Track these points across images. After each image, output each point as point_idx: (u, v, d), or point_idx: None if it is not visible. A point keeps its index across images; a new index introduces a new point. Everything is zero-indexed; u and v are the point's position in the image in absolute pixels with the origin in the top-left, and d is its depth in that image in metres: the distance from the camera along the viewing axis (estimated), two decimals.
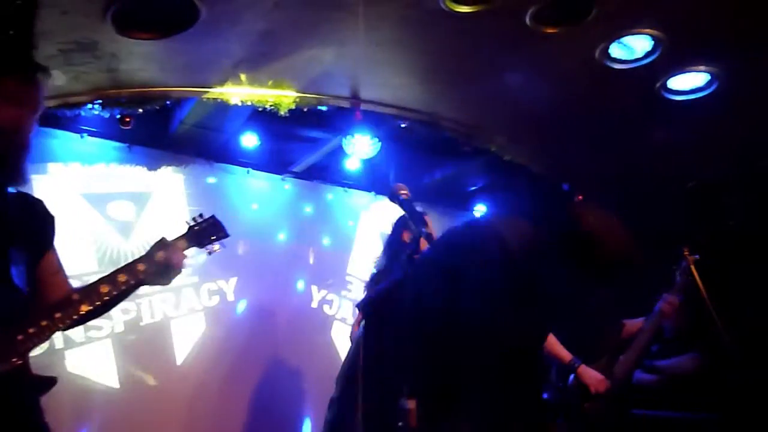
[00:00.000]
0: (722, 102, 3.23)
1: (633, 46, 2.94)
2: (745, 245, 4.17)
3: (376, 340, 2.75)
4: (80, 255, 3.80)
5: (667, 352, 3.94)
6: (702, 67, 3.04)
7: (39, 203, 1.82)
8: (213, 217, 2.02)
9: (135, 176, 4.21)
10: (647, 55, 2.94)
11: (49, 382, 1.59)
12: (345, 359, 3.49)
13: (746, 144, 3.70)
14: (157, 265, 1.76)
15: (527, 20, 2.70)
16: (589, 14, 2.65)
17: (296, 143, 4.51)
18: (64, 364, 3.73)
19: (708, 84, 3.15)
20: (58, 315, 1.58)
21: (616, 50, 2.95)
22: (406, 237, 3.20)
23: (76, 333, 3.78)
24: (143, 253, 1.79)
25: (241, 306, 4.43)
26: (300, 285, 4.71)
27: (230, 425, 4.16)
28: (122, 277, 1.69)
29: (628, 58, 2.99)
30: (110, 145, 4.14)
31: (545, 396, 3.29)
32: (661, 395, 3.71)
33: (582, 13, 2.66)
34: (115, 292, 1.68)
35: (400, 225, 3.35)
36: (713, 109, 3.31)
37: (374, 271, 3.39)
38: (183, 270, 1.83)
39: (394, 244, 3.34)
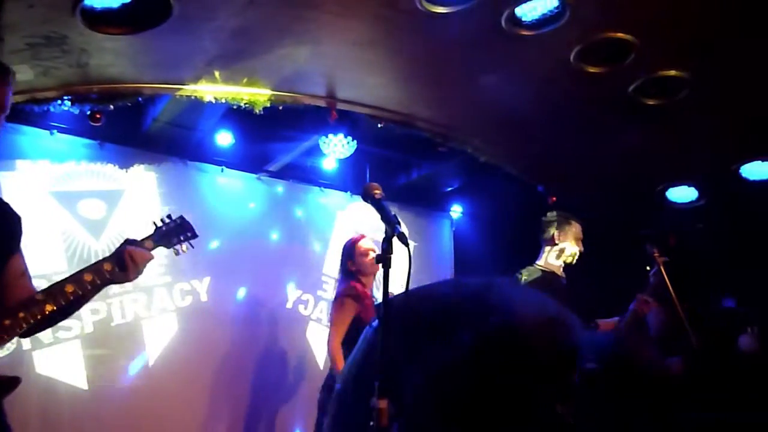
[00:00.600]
0: (692, 106, 3.29)
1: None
2: (713, 247, 4.26)
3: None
4: (49, 255, 3.72)
5: None
6: (673, 72, 3.09)
7: (4, 204, 1.77)
8: (181, 217, 2.01)
9: (106, 174, 4.13)
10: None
11: (13, 382, 1.56)
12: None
13: (716, 147, 3.77)
14: (123, 265, 1.74)
15: (503, 22, 2.72)
16: (563, 17, 2.68)
17: (272, 142, 4.47)
18: (32, 365, 3.64)
19: (680, 87, 3.21)
20: (21, 314, 1.55)
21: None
22: (351, 266, 3.36)
23: (45, 333, 3.69)
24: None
25: (215, 307, 4.38)
26: (275, 285, 4.67)
27: (202, 426, 4.10)
28: (88, 277, 1.67)
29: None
30: (81, 143, 4.06)
31: None
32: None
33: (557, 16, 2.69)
34: (80, 292, 1.65)
35: (344, 254, 3.46)
36: (685, 113, 3.37)
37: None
38: (148, 269, 1.81)
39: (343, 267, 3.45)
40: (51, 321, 1.66)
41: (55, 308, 1.60)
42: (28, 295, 1.64)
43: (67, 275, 1.73)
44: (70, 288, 1.64)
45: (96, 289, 1.70)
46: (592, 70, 3.03)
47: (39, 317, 1.58)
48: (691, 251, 3.77)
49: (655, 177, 4.22)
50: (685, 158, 3.92)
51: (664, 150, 3.84)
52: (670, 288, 3.15)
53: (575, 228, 3.48)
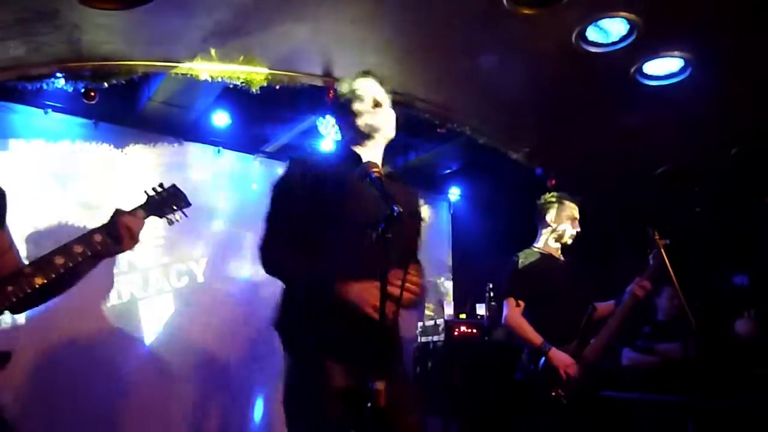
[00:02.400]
0: (695, 88, 3.25)
1: (609, 30, 2.93)
2: (712, 232, 4.25)
3: None
4: (44, 235, 3.69)
5: (659, 334, 4.01)
6: (676, 53, 3.04)
7: None
8: (173, 186, 1.98)
9: (101, 154, 4.09)
10: (623, 39, 2.94)
11: (2, 357, 1.53)
12: None
13: (718, 131, 3.74)
14: (114, 235, 1.70)
15: (504, 0, 2.67)
16: None
17: (269, 122, 4.42)
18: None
19: (682, 70, 3.16)
20: (10, 288, 1.51)
21: (592, 33, 2.94)
22: None
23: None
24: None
25: (211, 287, 4.36)
26: None
27: (199, 405, 4.11)
28: (78, 248, 1.63)
29: (604, 42, 2.98)
30: (75, 122, 4.01)
31: (517, 377, 3.32)
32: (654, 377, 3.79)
33: None
34: (70, 264, 1.60)
35: None
36: (686, 96, 3.33)
37: None
38: (144, 249, 1.78)
39: None
40: (44, 295, 1.62)
41: (45, 281, 1.56)
42: (16, 269, 1.60)
43: None
44: (59, 260, 1.60)
45: (87, 261, 1.66)
46: (592, 50, 2.98)
47: (28, 291, 1.53)
48: (690, 234, 3.75)
49: (656, 159, 4.20)
50: (685, 141, 3.89)
51: (665, 133, 3.80)
52: (671, 271, 3.13)
53: (571, 209, 3.46)
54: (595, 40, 2.97)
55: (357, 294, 1.79)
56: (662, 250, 3.17)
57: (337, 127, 2.25)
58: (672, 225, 3.39)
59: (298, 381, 1.95)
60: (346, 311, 1.80)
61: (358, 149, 2.12)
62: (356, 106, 2.10)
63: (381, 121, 2.11)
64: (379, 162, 2.13)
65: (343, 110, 2.13)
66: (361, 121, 2.09)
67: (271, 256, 2.01)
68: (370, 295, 1.74)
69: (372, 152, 2.12)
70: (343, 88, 2.18)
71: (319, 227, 1.98)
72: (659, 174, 4.26)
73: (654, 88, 3.26)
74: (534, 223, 3.55)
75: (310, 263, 1.94)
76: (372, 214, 1.82)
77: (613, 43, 2.96)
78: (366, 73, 2.20)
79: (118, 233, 1.70)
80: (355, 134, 2.11)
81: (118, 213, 1.76)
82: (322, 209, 1.99)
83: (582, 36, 2.93)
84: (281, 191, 2.07)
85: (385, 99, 2.16)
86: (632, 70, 3.16)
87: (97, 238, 1.68)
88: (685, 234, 3.51)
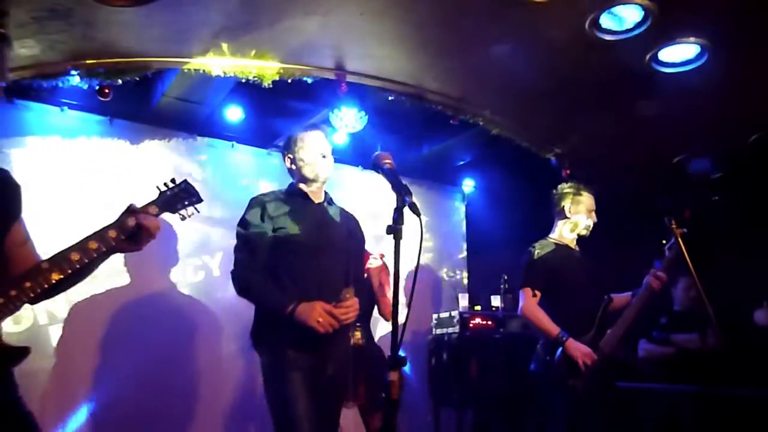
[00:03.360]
0: (712, 75, 3.20)
1: (623, 16, 2.89)
2: (730, 220, 4.19)
3: None
4: (61, 231, 3.72)
5: (676, 324, 3.98)
6: (692, 39, 3.00)
7: (4, 173, 1.76)
8: (185, 181, 1.99)
9: (117, 151, 4.13)
10: (637, 25, 2.90)
11: (22, 352, 1.56)
12: None
13: (735, 118, 3.68)
14: (128, 231, 1.72)
15: None
16: None
17: (282, 116, 4.44)
18: (48, 340, 3.69)
19: (698, 56, 3.12)
20: (27, 284, 1.54)
21: (606, 21, 2.91)
22: None
23: (60, 308, 3.74)
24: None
25: (227, 281, 4.39)
26: None
27: (215, 400, 4.15)
28: (93, 245, 1.66)
29: (618, 29, 2.95)
30: (91, 119, 4.05)
31: (532, 368, 3.31)
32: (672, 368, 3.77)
33: None
34: (86, 260, 1.64)
35: None
36: (703, 83, 3.28)
37: None
38: (160, 245, 1.80)
39: None
40: (58, 288, 1.65)
41: (61, 276, 1.60)
42: (33, 264, 1.63)
43: None
44: (75, 256, 1.63)
45: (101, 256, 1.69)
46: (606, 37, 2.95)
47: (45, 286, 1.57)
48: (707, 223, 3.71)
49: (672, 148, 4.15)
50: (702, 128, 3.84)
51: (681, 121, 3.75)
52: (688, 260, 3.10)
53: (587, 199, 3.44)
54: (609, 28, 2.93)
55: (303, 312, 2.38)
56: (679, 240, 3.14)
57: (290, 166, 2.77)
58: (689, 214, 3.35)
59: (271, 370, 2.52)
60: (299, 324, 2.39)
61: (303, 187, 2.74)
62: (304, 155, 2.69)
63: (323, 170, 2.71)
64: (321, 196, 2.78)
65: (294, 158, 2.72)
66: (308, 169, 2.69)
67: (239, 282, 2.59)
68: (313, 312, 2.37)
69: (314, 190, 2.75)
70: (296, 140, 2.73)
71: (278, 254, 2.56)
72: (676, 162, 4.21)
73: (670, 75, 3.22)
74: (550, 213, 3.53)
75: (270, 287, 2.52)
76: (324, 237, 2.64)
77: (628, 30, 2.92)
78: (314, 126, 2.81)
79: (130, 230, 1.72)
80: (303, 177, 2.72)
81: (130, 210, 1.78)
82: (279, 236, 2.58)
83: (596, 23, 2.89)
84: (244, 226, 2.63)
85: (329, 151, 2.74)
86: (647, 57, 3.12)
87: (111, 234, 1.71)
88: (702, 223, 3.47)
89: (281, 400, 2.45)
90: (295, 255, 2.57)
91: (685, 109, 3.59)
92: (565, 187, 3.50)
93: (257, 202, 2.68)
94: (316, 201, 2.76)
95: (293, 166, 2.76)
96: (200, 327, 4.23)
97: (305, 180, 2.73)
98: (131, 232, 1.73)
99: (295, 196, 2.73)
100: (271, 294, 2.52)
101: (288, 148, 2.77)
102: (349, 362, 2.71)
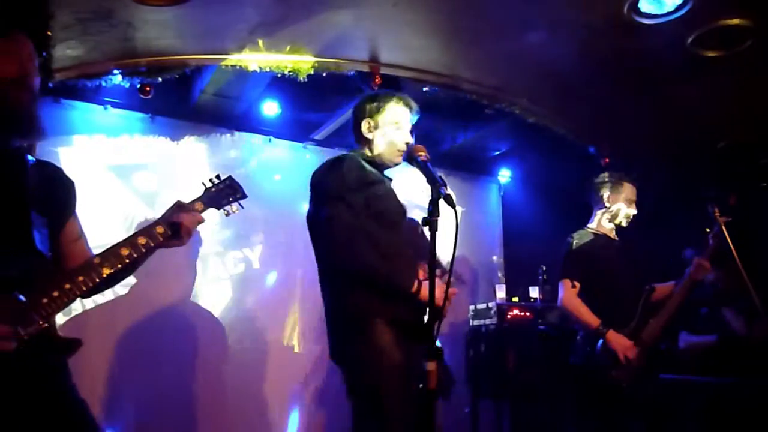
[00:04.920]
0: (757, 58, 3.09)
1: (663, 0, 2.82)
2: None
3: None
4: (108, 226, 3.86)
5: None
6: (736, 21, 2.90)
7: (58, 170, 1.84)
8: (230, 177, 2.03)
9: (158, 147, 4.24)
10: (678, 8, 2.82)
11: (75, 344, 1.62)
12: None
13: None
14: (174, 227, 1.78)
15: None
16: None
17: (317, 110, 4.47)
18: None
19: (742, 38, 3.01)
20: (80, 278, 1.61)
21: (645, 4, 2.84)
22: None
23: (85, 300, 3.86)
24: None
25: (266, 274, 4.48)
26: None
27: (256, 390, 4.24)
28: (142, 240, 1.72)
29: (658, 12, 2.87)
30: (134, 116, 4.17)
31: (572, 361, 3.27)
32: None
33: None
34: (135, 255, 1.70)
35: None
36: (748, 66, 3.18)
37: None
38: (202, 239, 1.86)
39: None
40: (108, 282, 1.72)
41: (112, 271, 1.66)
42: (85, 259, 1.70)
43: None
44: (125, 251, 1.69)
45: (149, 251, 1.75)
46: (645, 21, 2.88)
47: (97, 280, 1.64)
48: (753, 211, 3.59)
49: (715, 134, 4.02)
50: (747, 114, 3.71)
51: (724, 106, 3.64)
52: (732, 248, 3.02)
53: (628, 189, 3.38)
54: (648, 12, 2.86)
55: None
56: (723, 228, 3.06)
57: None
58: (734, 201, 3.25)
59: (367, 358, 2.19)
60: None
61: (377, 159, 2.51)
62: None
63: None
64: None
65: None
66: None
67: (351, 255, 2.22)
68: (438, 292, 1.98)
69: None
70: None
71: (377, 225, 2.28)
72: (720, 149, 4.09)
73: (711, 58, 3.12)
74: (589, 203, 3.48)
75: (378, 258, 2.20)
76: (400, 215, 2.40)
77: (668, 14, 2.85)
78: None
79: (177, 226, 1.78)
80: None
81: (177, 206, 1.83)
82: (375, 207, 2.30)
83: (634, 7, 2.83)
84: (342, 188, 2.27)
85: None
86: (689, 40, 3.03)
87: (159, 230, 1.76)
88: (749, 211, 3.37)
89: (374, 390, 2.17)
90: (390, 229, 2.31)
91: (728, 93, 3.48)
92: (605, 176, 3.44)
93: (353, 164, 2.37)
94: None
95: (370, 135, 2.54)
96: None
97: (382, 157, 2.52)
98: (177, 230, 1.78)
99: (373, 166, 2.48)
100: (393, 269, 2.22)
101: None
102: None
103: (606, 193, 3.39)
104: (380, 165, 2.51)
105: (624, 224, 3.38)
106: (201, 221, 1.86)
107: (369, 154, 2.52)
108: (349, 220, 2.21)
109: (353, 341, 2.23)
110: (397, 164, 2.51)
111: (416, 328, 2.13)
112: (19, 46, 1.66)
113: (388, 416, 2.12)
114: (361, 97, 2.65)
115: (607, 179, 3.42)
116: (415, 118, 2.58)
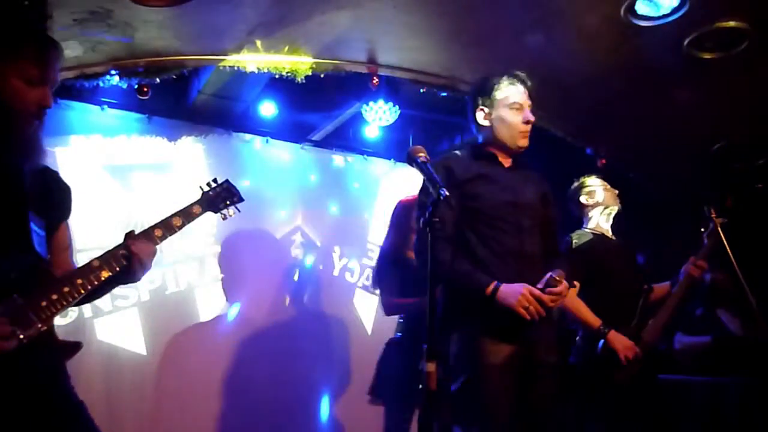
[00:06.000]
0: (753, 60, 3.10)
1: (660, 1, 2.83)
2: None
3: None
4: (104, 227, 3.85)
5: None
6: (732, 23, 2.91)
7: (55, 174, 1.83)
8: (227, 181, 2.04)
9: (156, 147, 4.23)
10: (674, 10, 2.84)
11: (74, 346, 1.62)
12: None
13: None
14: (169, 235, 1.79)
15: None
16: None
17: (315, 111, 4.47)
18: (93, 332, 3.81)
19: (738, 41, 3.03)
20: (79, 281, 1.61)
21: (642, 6, 2.85)
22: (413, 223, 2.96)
23: (104, 302, 3.85)
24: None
25: (263, 275, 4.47)
26: (322, 253, 4.72)
27: (254, 390, 4.23)
28: (158, 232, 1.74)
29: (654, 14, 2.89)
30: (131, 117, 4.15)
31: (572, 361, 3.28)
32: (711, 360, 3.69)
33: None
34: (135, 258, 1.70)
35: (403, 213, 3.38)
36: (744, 67, 3.19)
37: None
38: (199, 238, 1.87)
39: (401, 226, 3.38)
40: (108, 287, 1.72)
41: (110, 274, 1.66)
42: (66, 271, 1.69)
43: None
44: (122, 253, 1.70)
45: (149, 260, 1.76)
46: (642, 23, 2.89)
47: (96, 283, 1.63)
48: (750, 212, 3.61)
49: (711, 135, 4.04)
50: (742, 115, 3.73)
51: (721, 107, 3.65)
52: (728, 249, 3.03)
53: (611, 189, 3.42)
54: (645, 14, 2.88)
55: (508, 295, 2.11)
56: (719, 229, 3.07)
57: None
58: (731, 202, 3.27)
59: (463, 363, 2.20)
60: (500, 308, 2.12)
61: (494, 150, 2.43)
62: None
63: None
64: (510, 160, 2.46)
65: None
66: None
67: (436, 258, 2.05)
68: (520, 296, 2.08)
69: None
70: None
71: (470, 225, 2.28)
72: (716, 150, 4.10)
73: (708, 60, 3.13)
74: (572, 205, 3.49)
75: (465, 264, 2.21)
76: (519, 208, 2.34)
77: (665, 16, 2.86)
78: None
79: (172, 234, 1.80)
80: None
81: (179, 213, 1.86)
82: (470, 205, 2.28)
83: (631, 9, 2.85)
84: (426, 192, 2.17)
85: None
86: (685, 42, 3.05)
87: (158, 233, 1.77)
88: (744, 212, 3.38)
89: (474, 398, 2.14)
90: (489, 227, 2.25)
91: (724, 95, 3.49)
92: (592, 177, 3.49)
93: (441, 164, 2.30)
94: (506, 165, 2.46)
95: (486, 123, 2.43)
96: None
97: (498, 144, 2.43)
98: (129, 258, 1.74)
99: (484, 158, 2.41)
100: (467, 272, 2.19)
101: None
102: (555, 349, 2.36)
103: (599, 194, 3.41)
104: (504, 152, 2.44)
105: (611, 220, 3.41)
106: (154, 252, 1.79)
107: (485, 143, 2.45)
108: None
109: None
110: (522, 147, 2.44)
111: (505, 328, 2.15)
112: (48, 70, 1.62)
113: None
114: (472, 85, 2.57)
115: (595, 180, 3.46)
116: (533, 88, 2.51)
